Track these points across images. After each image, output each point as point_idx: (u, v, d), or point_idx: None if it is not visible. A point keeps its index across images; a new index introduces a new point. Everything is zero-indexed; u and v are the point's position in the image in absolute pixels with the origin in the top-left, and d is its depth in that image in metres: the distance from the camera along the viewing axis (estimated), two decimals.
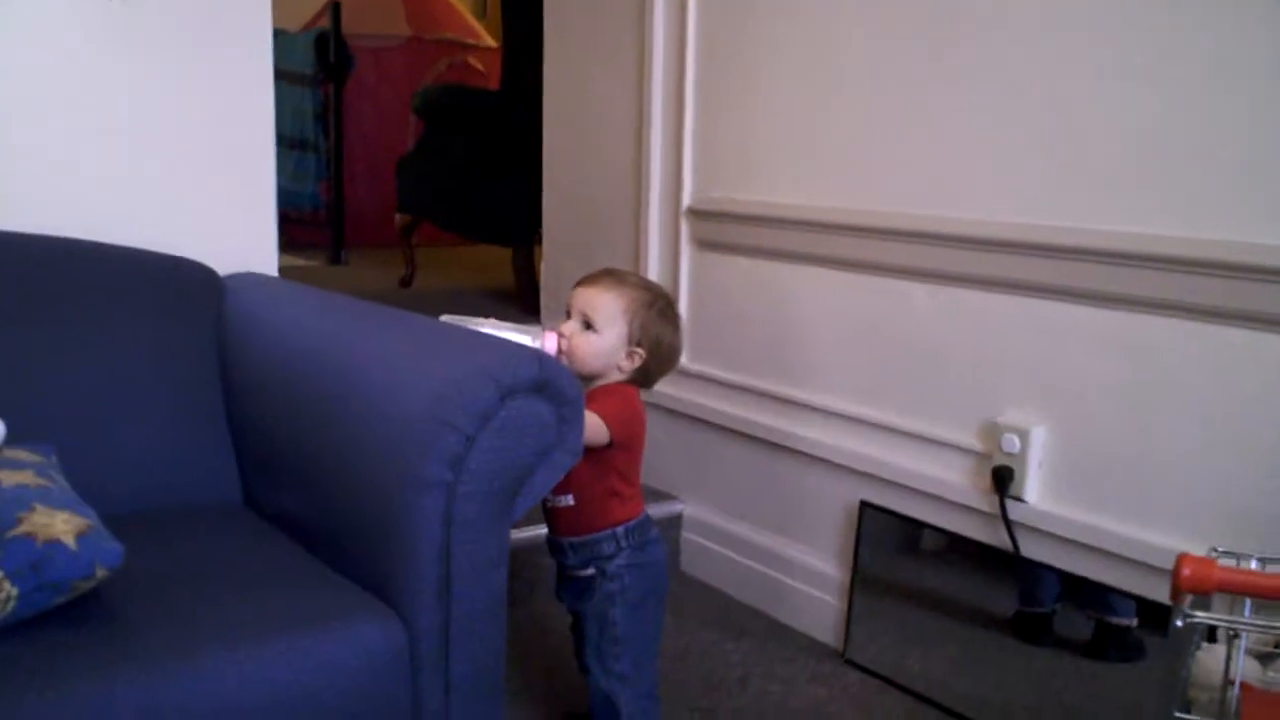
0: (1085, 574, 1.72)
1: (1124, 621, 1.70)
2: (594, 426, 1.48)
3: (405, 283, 4.18)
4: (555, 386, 1.22)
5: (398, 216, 4.16)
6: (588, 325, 1.57)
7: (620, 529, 1.59)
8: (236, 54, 1.86)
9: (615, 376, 1.59)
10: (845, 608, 2.09)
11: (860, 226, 2.02)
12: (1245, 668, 1.12)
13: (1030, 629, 1.84)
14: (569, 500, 1.57)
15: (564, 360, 1.54)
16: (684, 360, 2.41)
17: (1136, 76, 1.61)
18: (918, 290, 1.95)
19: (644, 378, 1.62)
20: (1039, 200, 1.75)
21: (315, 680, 1.12)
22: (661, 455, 2.51)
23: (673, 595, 1.94)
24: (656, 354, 1.60)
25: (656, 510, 2.43)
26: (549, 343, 1.52)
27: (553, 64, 2.86)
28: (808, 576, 2.20)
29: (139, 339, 1.60)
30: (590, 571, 1.60)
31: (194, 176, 1.84)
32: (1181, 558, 1.02)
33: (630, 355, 1.59)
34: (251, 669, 1.08)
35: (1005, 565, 1.86)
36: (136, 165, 1.80)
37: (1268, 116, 1.49)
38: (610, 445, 1.53)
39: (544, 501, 1.59)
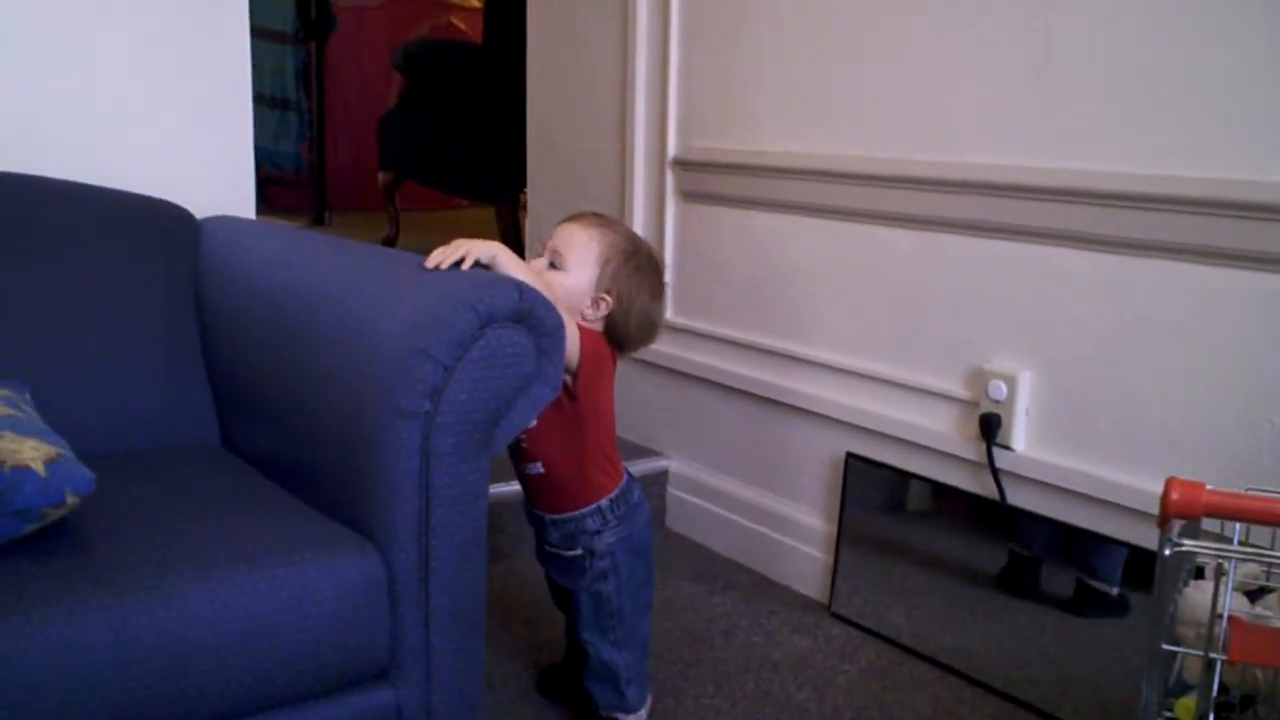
0: (1072, 521, 1.71)
1: (1105, 588, 1.69)
2: (570, 339, 1.33)
3: (389, 243, 4.14)
4: (535, 316, 1.19)
5: (380, 175, 4.13)
6: (553, 264, 1.45)
7: (605, 502, 1.49)
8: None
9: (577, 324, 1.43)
10: (831, 561, 2.08)
11: (845, 173, 1.99)
12: (1234, 604, 1.10)
13: (1017, 582, 1.83)
14: (539, 469, 1.47)
15: None
16: (670, 314, 2.39)
17: (1119, 15, 1.59)
18: (903, 237, 1.93)
19: (612, 336, 1.49)
20: (1023, 142, 1.73)
21: (291, 612, 1.09)
22: (646, 411, 2.50)
23: (658, 552, 1.91)
24: (625, 309, 1.47)
25: (642, 467, 2.42)
26: None
27: (536, 13, 2.82)
28: (793, 530, 2.19)
29: (115, 279, 1.56)
30: (578, 552, 1.50)
31: (172, 123, 1.83)
32: (1170, 481, 1.00)
33: (596, 302, 1.46)
34: (225, 598, 1.06)
35: (991, 518, 1.85)
36: (115, 112, 1.78)
37: (1250, 55, 1.47)
38: (574, 380, 1.40)
39: (520, 467, 1.50)
